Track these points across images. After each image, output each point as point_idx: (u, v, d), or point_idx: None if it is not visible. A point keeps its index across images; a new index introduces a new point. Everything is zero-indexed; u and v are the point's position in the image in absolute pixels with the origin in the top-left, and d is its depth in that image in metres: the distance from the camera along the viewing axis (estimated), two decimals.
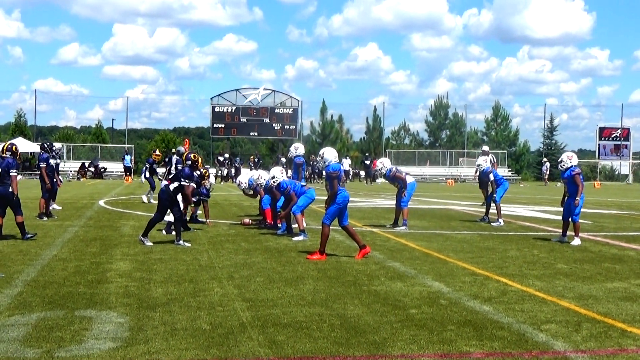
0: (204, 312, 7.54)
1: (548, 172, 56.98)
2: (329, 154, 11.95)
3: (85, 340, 6.39)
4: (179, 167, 13.16)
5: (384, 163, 17.46)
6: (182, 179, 13.11)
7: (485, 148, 24.28)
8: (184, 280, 9.42)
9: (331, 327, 7.00)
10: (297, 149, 16.27)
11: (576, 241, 14.01)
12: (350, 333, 6.77)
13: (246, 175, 17.26)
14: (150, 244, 12.78)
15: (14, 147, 13.41)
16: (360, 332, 6.84)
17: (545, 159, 60.47)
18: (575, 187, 14.07)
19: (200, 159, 14.06)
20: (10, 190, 12.95)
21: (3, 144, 13.91)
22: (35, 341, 6.31)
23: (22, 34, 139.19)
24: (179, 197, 13.28)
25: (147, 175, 24.51)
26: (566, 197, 14.45)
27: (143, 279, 9.46)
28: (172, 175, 13.43)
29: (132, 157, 54.82)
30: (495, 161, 22.98)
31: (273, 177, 14.96)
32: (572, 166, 14.25)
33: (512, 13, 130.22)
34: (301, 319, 7.33)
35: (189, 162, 13.50)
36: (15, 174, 13.00)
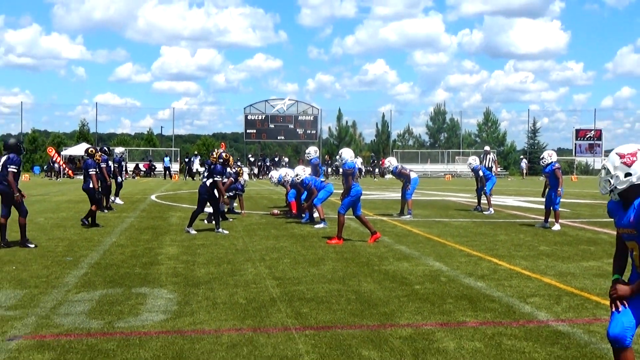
0: (240, 289, 7.54)
1: (527, 168, 56.79)
2: (347, 153, 11.98)
3: (141, 313, 6.42)
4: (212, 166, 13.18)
5: (391, 162, 17.45)
6: (215, 175, 13.09)
7: (487, 148, 24.04)
8: (222, 262, 9.44)
9: (348, 301, 6.98)
10: (310, 153, 16.23)
11: (556, 227, 13.87)
12: (364, 306, 6.76)
13: (277, 173, 17.38)
14: (194, 232, 12.80)
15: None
16: (372, 305, 6.82)
17: (522, 157, 60.38)
18: (556, 180, 13.97)
19: (231, 158, 14.08)
20: (9, 189, 10.41)
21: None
22: (98, 314, 6.35)
23: (84, 56, 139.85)
24: (215, 191, 13.29)
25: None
26: (547, 189, 14.34)
27: (188, 262, 9.49)
28: (208, 172, 13.42)
29: (171, 158, 55.01)
30: (496, 159, 22.86)
31: (297, 175, 15.09)
32: (552, 162, 14.14)
33: (499, 32, 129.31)
34: (322, 294, 7.32)
35: (221, 160, 13.51)
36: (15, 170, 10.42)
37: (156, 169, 54.95)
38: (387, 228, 13.96)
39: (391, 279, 8.19)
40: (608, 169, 4.01)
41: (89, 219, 13.63)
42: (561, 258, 10.04)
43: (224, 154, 13.69)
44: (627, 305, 3.87)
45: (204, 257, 9.93)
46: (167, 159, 51.97)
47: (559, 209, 14.28)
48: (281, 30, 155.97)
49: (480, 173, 18.50)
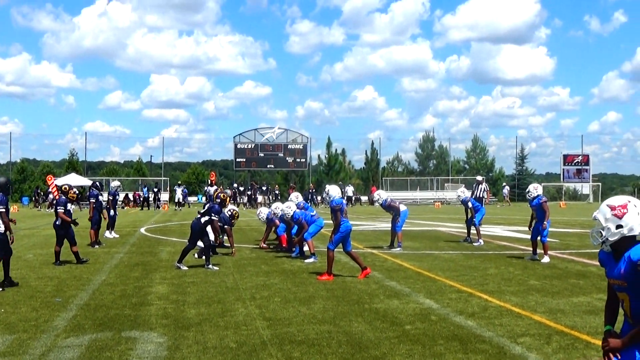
0: (231, 331, 7.51)
1: (508, 194, 57.05)
2: (334, 191, 12.04)
3: (130, 359, 6.38)
4: (210, 204, 13.21)
5: (380, 195, 17.38)
6: (213, 214, 13.15)
7: (479, 178, 24.08)
8: (213, 302, 9.40)
9: (339, 343, 6.97)
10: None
11: (545, 259, 13.90)
12: (355, 349, 6.74)
13: (266, 210, 17.36)
14: (185, 268, 12.75)
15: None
16: (363, 347, 6.81)
17: (504, 183, 60.67)
18: (543, 213, 14.03)
19: (228, 199, 14.03)
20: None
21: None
22: None
23: (74, 84, 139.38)
24: (209, 228, 13.29)
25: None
26: (534, 222, 14.42)
27: (178, 301, 9.44)
28: (204, 210, 13.41)
29: (161, 188, 54.80)
30: (488, 189, 22.82)
31: (288, 207, 15.14)
32: (538, 195, 14.23)
33: (486, 59, 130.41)
34: (313, 336, 7.30)
35: (219, 201, 13.53)
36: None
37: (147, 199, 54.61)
38: (378, 262, 13.95)
39: (382, 319, 8.17)
40: (599, 221, 4.04)
41: (59, 259, 13.48)
42: (551, 293, 10.06)
43: (221, 195, 13.73)
44: (619, 357, 3.90)
45: (194, 296, 9.89)
46: (145, 189, 51.43)
47: (547, 241, 14.32)
48: (270, 57, 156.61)
49: (470, 204, 18.54)
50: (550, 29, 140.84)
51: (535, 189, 14.39)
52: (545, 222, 13.96)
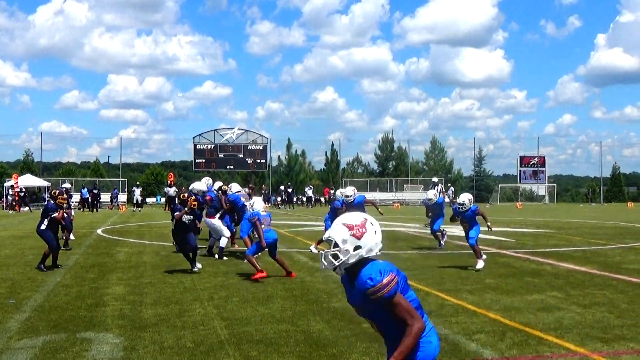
0: (188, 331, 7.47)
1: (452, 195, 57.59)
2: (258, 204, 11.97)
3: None
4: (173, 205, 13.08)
5: (354, 191, 16.59)
6: (175, 212, 12.93)
7: (435, 179, 24.13)
8: (170, 302, 9.33)
9: (296, 342, 6.99)
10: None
11: (480, 264, 12.94)
12: (313, 347, 6.77)
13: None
14: (200, 266, 12.54)
15: None
16: (321, 345, 6.84)
17: (449, 184, 60.25)
18: (484, 218, 13.20)
19: (190, 198, 13.55)
20: None
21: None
22: None
23: (29, 83, 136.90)
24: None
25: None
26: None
27: (135, 302, 9.35)
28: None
29: (119, 188, 54.21)
30: (444, 190, 22.87)
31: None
32: (472, 206, 13.26)
33: (445, 61, 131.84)
34: (271, 335, 7.31)
35: (179, 201, 13.42)
36: None
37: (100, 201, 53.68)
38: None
39: (340, 317, 8.21)
40: (335, 242, 3.65)
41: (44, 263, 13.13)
42: (506, 291, 10.23)
43: (181, 195, 13.62)
44: None
45: (151, 296, 9.80)
46: (84, 190, 50.24)
47: (476, 245, 13.31)
48: (230, 58, 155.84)
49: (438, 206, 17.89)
50: (507, 33, 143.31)
51: (470, 201, 13.20)
52: (489, 224, 13.32)
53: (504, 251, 16.00)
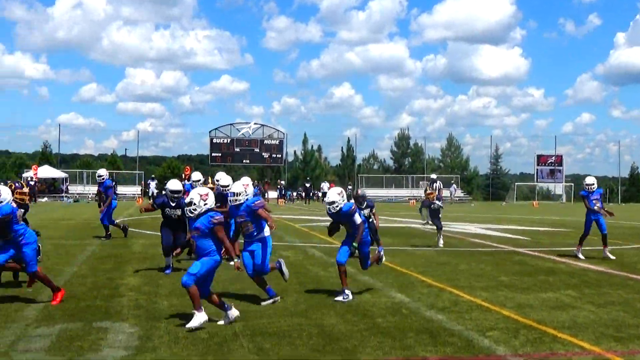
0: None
1: (455, 192, 57.56)
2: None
3: (101, 349, 6.38)
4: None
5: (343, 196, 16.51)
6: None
7: (433, 176, 24.14)
8: (185, 294, 9.31)
9: (310, 335, 7.02)
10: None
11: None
12: (326, 340, 6.81)
13: None
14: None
15: None
16: (334, 339, 6.87)
17: (452, 182, 59.69)
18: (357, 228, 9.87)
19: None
20: None
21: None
22: (57, 350, 6.30)
23: (48, 75, 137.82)
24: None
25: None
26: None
27: (150, 293, 9.43)
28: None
29: (136, 181, 54.67)
30: (442, 187, 22.79)
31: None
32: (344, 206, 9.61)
33: (462, 58, 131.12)
34: (285, 328, 7.35)
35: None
36: None
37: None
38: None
39: (354, 312, 8.24)
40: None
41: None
42: (520, 289, 10.20)
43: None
44: None
45: (166, 288, 9.88)
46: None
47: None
48: (247, 53, 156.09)
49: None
50: (525, 30, 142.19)
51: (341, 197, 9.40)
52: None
53: (519, 249, 15.94)
